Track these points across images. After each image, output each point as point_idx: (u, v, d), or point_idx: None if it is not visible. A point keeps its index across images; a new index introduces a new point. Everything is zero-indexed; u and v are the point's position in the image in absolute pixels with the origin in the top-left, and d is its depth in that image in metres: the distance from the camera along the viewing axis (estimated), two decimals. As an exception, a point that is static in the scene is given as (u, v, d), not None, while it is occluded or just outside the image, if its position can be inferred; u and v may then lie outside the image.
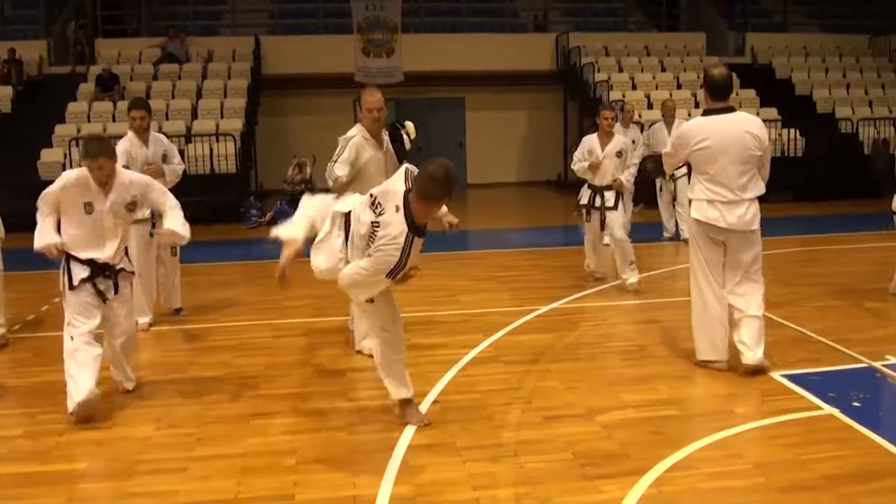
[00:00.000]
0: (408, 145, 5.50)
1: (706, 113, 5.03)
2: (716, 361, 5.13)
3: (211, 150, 14.10)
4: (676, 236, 10.19)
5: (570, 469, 3.84)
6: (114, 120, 14.43)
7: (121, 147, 6.28)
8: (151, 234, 6.40)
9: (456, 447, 4.10)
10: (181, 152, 13.41)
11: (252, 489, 3.69)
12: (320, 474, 3.82)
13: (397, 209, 3.80)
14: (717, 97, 4.97)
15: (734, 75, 5.12)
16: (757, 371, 5.00)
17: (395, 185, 3.93)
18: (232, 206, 13.85)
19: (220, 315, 7.09)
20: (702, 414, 4.57)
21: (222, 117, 15.21)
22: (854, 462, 3.84)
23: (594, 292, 7.61)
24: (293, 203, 14.01)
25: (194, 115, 15.25)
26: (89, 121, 14.51)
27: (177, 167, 6.84)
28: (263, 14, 19.47)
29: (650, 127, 10.89)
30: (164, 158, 6.68)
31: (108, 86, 15.12)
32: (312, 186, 15.04)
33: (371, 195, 3.94)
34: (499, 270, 8.93)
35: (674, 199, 10.22)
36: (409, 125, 5.51)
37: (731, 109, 4.97)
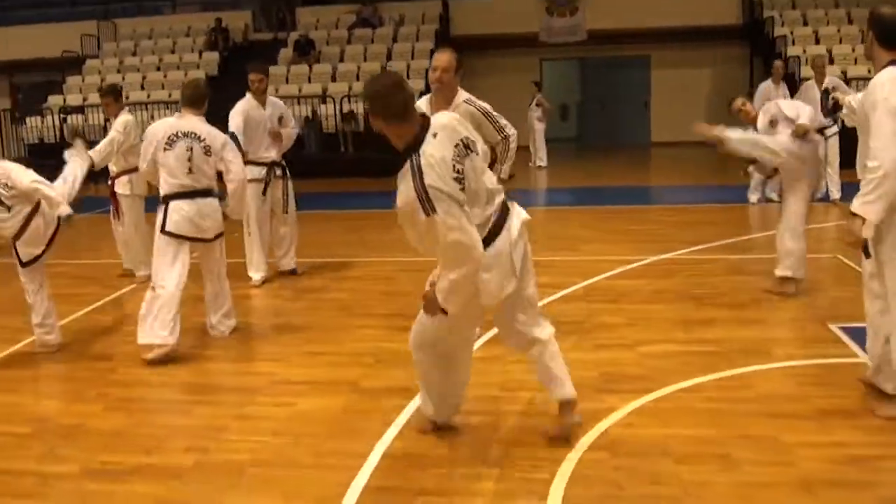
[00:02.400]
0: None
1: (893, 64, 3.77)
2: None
3: (395, 108, 15.31)
4: (826, 197, 10.07)
5: (591, 384, 4.45)
6: (309, 81, 16.07)
7: (239, 107, 6.89)
8: (264, 193, 6.90)
9: (501, 360, 4.85)
10: (367, 112, 14.96)
11: (377, 379, 4.68)
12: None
13: None
14: (892, 45, 3.79)
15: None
16: None
17: None
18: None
19: (376, 252, 8.13)
20: (739, 351, 4.94)
21: (408, 78, 16.40)
22: (853, 402, 4.09)
23: (714, 246, 7.90)
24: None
25: (384, 77, 16.54)
26: (287, 82, 16.27)
27: (291, 131, 7.16)
28: (455, -24, 20.46)
29: (803, 84, 10.71)
30: (280, 121, 7.04)
31: (305, 50, 16.80)
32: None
33: None
34: (634, 224, 9.38)
35: (824, 158, 10.05)
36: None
37: None
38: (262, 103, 7.00)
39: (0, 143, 15.67)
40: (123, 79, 16.84)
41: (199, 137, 5.21)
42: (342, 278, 7.21)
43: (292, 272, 7.27)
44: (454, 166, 3.17)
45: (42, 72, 18.27)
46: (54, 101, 16.40)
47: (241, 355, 5.22)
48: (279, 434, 3.97)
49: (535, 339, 3.66)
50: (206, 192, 5.26)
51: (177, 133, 5.18)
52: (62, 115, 15.56)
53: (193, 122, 5.25)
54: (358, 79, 16.25)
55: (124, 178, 7.06)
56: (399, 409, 4.16)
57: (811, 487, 3.30)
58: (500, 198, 3.47)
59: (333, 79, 16.28)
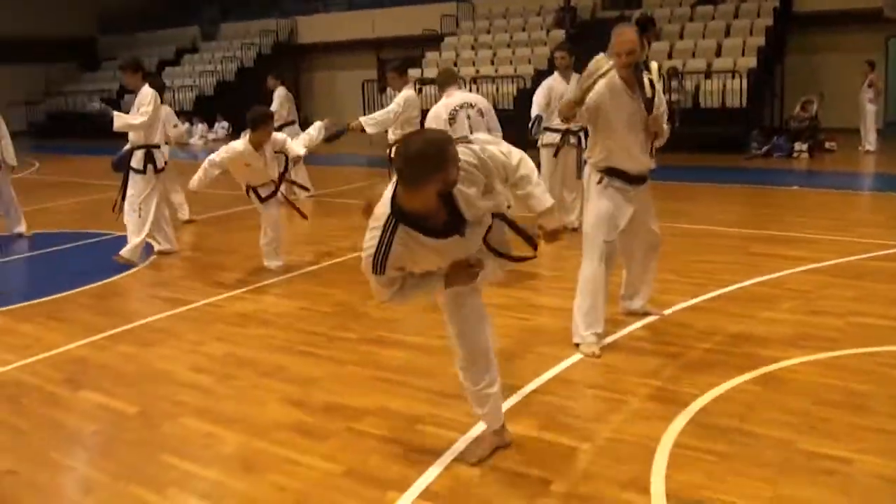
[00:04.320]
0: (648, 93, 4.67)
1: None
2: None
3: (724, 86, 15.49)
4: None
5: (780, 338, 4.96)
6: (670, 57, 16.52)
7: (544, 83, 8.20)
8: (555, 155, 8.21)
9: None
10: (697, 88, 15.36)
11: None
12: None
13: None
14: None
15: None
16: None
17: None
18: (736, 138, 15.17)
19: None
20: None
21: (743, 55, 16.33)
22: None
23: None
24: (792, 138, 14.85)
25: (718, 54, 16.70)
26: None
27: None
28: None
29: None
30: None
31: (645, 27, 17.40)
32: (817, 124, 15.50)
33: None
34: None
35: None
36: (654, 66, 4.73)
37: None
38: (566, 78, 8.23)
39: (364, 109, 18.54)
40: (476, 55, 18.92)
41: (471, 105, 6.36)
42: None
43: (574, 230, 8.21)
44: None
45: (404, 48, 21.02)
46: (413, 74, 18.90)
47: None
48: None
49: None
50: None
51: (455, 107, 6.33)
52: (418, 87, 18.00)
53: (463, 95, 6.49)
54: (694, 56, 16.62)
55: None
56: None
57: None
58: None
59: (669, 56, 16.73)
